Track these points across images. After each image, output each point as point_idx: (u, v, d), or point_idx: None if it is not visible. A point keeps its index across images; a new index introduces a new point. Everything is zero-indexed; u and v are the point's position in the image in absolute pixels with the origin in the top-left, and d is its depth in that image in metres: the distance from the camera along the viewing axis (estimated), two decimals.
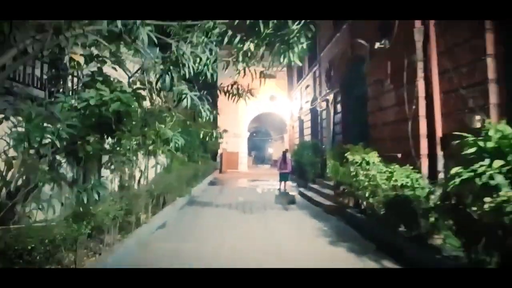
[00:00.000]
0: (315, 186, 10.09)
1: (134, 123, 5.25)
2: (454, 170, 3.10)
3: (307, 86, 16.73)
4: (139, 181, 6.60)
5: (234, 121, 23.64)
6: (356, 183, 5.79)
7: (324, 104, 12.84)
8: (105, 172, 5.61)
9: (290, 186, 12.48)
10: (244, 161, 24.40)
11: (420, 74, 5.84)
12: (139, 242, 4.88)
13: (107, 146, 5.31)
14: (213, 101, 19.92)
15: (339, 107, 10.92)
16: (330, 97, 11.60)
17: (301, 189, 10.70)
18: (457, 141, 3.37)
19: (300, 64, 5.56)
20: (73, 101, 4.38)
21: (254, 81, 7.16)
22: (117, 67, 5.34)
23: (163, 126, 7.47)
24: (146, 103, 6.21)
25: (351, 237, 5.38)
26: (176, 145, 7.62)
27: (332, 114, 11.32)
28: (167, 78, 4.65)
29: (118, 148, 5.17)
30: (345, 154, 7.37)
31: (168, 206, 7.18)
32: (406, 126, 6.22)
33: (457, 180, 2.98)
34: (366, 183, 5.24)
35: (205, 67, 5.08)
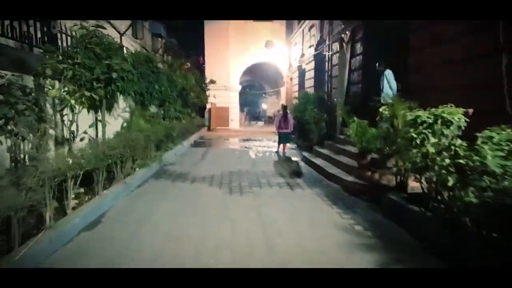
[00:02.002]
0: (324, 151, 7.78)
1: None
2: None
3: (312, 27, 13.71)
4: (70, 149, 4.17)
5: (224, 72, 20.68)
6: (415, 156, 3.45)
7: (335, 46, 10.08)
8: None
9: (290, 149, 10.20)
10: (235, 117, 21.91)
11: None
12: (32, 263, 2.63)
13: None
14: (199, 47, 16.67)
15: (358, 47, 8.24)
16: (346, 34, 8.84)
17: (306, 154, 8.41)
18: None
19: None
20: None
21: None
22: None
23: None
24: None
25: (404, 245, 3.20)
26: (119, 87, 5.12)
27: (348, 57, 8.65)
28: None
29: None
30: (381, 110, 4.97)
31: (114, 185, 4.84)
32: (489, 65, 3.77)
33: None
34: (447, 161, 2.89)
35: None
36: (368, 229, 3.66)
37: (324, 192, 5.27)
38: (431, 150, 3.23)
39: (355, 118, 5.70)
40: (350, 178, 5.50)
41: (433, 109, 3.44)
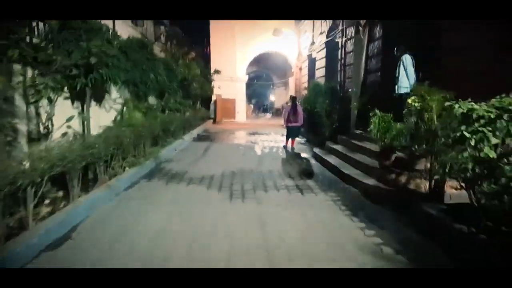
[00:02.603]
0: (338, 147, 6.97)
1: None
2: None
3: None
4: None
5: (230, 62, 19.84)
6: (464, 161, 2.63)
7: (350, 31, 9.16)
8: None
9: (298, 144, 9.42)
10: (242, 109, 21.12)
11: None
12: None
13: None
14: (204, 36, 15.82)
15: (377, 30, 7.33)
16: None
17: (317, 150, 7.61)
18: None
19: None
20: None
21: None
22: None
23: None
24: None
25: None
26: (103, 74, 4.42)
27: (365, 43, 7.75)
28: None
29: None
30: (409, 101, 4.16)
31: (95, 190, 4.15)
32: None
33: None
34: None
35: None
36: (401, 253, 2.89)
37: (340, 198, 4.49)
38: (491, 154, 2.42)
39: (377, 111, 4.87)
40: (370, 181, 4.70)
41: (493, 100, 2.61)
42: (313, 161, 7.11)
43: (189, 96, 10.70)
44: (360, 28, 8.21)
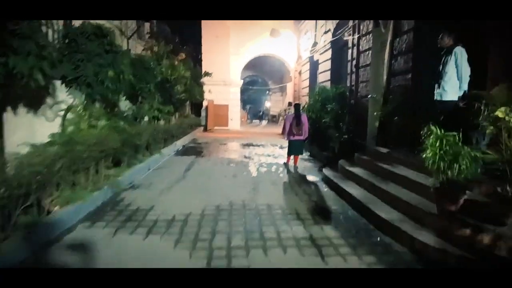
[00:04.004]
0: (357, 171, 5.32)
1: None
2: None
3: None
4: None
5: (223, 65, 18.22)
6: None
7: (365, 25, 7.60)
8: None
9: (301, 159, 7.78)
10: (235, 116, 19.48)
11: None
12: None
13: None
14: (195, 36, 14.18)
15: (406, 22, 5.76)
16: None
17: (328, 173, 5.94)
18: None
19: None
20: None
21: None
22: None
23: None
24: None
25: None
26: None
27: (388, 37, 6.17)
28: None
29: None
30: (499, 113, 2.54)
31: None
32: None
33: None
34: None
35: None
36: None
37: (385, 264, 2.82)
38: None
39: (434, 128, 3.22)
40: (425, 236, 3.03)
41: None
42: (324, 188, 5.44)
43: (171, 101, 8.97)
44: (380, 20, 6.65)
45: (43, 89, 4.60)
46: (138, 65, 7.35)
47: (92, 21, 5.16)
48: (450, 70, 3.99)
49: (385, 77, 6.22)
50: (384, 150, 5.56)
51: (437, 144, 3.10)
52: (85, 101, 5.14)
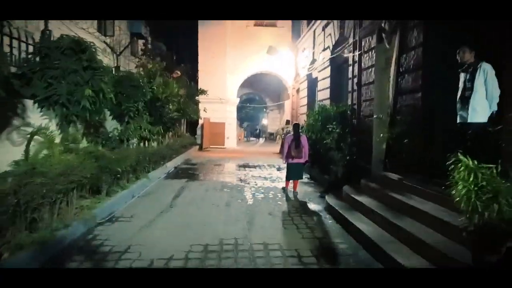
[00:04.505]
0: (365, 200, 4.73)
1: None
2: None
3: (327, 24, 10.93)
4: None
5: (220, 83, 17.89)
6: None
7: (367, 41, 7.21)
8: None
9: (301, 183, 7.18)
10: (232, 134, 18.98)
11: None
12: None
13: None
14: (192, 55, 14.06)
15: (414, 36, 5.33)
16: (390, 21, 5.97)
17: (332, 201, 5.34)
18: None
19: None
20: None
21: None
22: None
23: None
24: None
25: None
26: None
27: (394, 54, 5.74)
28: None
29: None
30: None
31: None
32: None
33: None
34: None
35: None
36: None
37: None
38: None
39: (465, 159, 2.67)
40: None
41: None
42: (329, 220, 4.83)
43: (162, 120, 8.44)
44: (384, 35, 6.25)
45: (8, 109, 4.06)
46: (126, 82, 6.86)
47: (70, 35, 4.69)
48: (480, 89, 3.48)
49: (391, 96, 5.74)
50: (394, 176, 5.00)
51: (471, 179, 2.54)
52: (60, 123, 4.58)
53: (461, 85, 3.68)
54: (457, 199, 2.65)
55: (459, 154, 2.71)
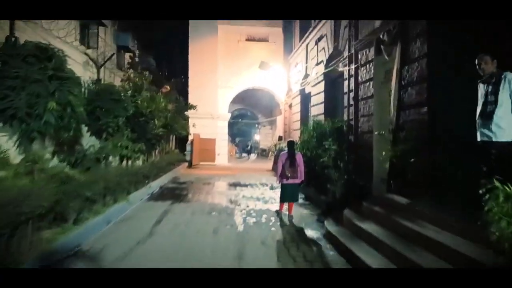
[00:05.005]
0: (370, 227, 4.17)
1: None
2: None
3: (320, 38, 10.67)
4: None
5: (211, 98, 17.47)
6: None
7: (364, 54, 6.86)
8: None
9: (297, 204, 6.60)
10: (223, 151, 18.41)
11: None
12: None
13: None
14: (182, 70, 13.74)
15: (416, 46, 4.95)
16: (390, 31, 5.62)
17: (332, 228, 4.76)
18: None
19: None
20: None
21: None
22: None
23: None
24: None
25: None
26: None
27: (396, 66, 5.34)
28: None
29: None
30: None
31: None
32: None
33: None
34: None
35: None
36: None
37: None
38: None
39: (501, 185, 2.17)
40: None
41: None
42: (330, 252, 4.23)
43: (145, 137, 7.84)
44: (383, 47, 5.89)
45: None
46: (105, 95, 6.30)
47: (36, 41, 4.15)
48: (505, 103, 3.02)
49: (393, 111, 5.30)
50: (401, 199, 4.48)
51: (507, 207, 2.03)
52: (20, 140, 3.97)
53: (481, 98, 3.23)
54: (495, 235, 2.13)
55: (495, 180, 2.21)
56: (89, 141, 6.51)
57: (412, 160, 4.65)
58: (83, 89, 5.19)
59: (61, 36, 7.77)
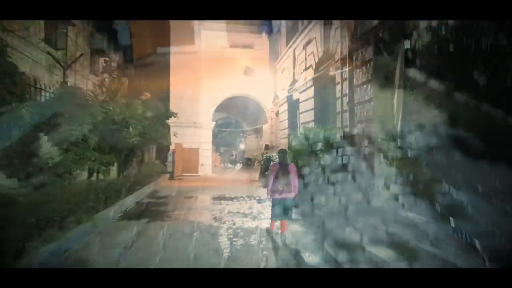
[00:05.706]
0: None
1: None
2: None
3: (309, 42, 10.17)
4: None
5: (194, 106, 16.69)
6: None
7: (361, 54, 6.31)
8: None
9: (291, 221, 5.87)
10: (207, 161, 17.57)
11: None
12: None
13: None
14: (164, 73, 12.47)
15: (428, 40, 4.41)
16: (388, 32, 5.08)
17: (333, 252, 4.04)
18: None
19: None
20: None
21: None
22: None
23: None
24: None
25: None
26: None
27: (399, 67, 4.78)
28: None
29: None
30: None
31: None
32: None
33: None
34: None
35: None
36: None
37: None
38: None
39: None
40: None
41: None
42: None
43: (116, 147, 6.95)
44: (382, 46, 5.35)
45: None
46: (68, 100, 5.43)
47: None
48: None
49: (399, 115, 4.71)
50: (416, 218, 3.83)
51: None
52: None
53: None
54: None
55: None
56: (48, 153, 5.59)
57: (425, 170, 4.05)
58: (34, 90, 4.32)
59: (23, 35, 6.86)
